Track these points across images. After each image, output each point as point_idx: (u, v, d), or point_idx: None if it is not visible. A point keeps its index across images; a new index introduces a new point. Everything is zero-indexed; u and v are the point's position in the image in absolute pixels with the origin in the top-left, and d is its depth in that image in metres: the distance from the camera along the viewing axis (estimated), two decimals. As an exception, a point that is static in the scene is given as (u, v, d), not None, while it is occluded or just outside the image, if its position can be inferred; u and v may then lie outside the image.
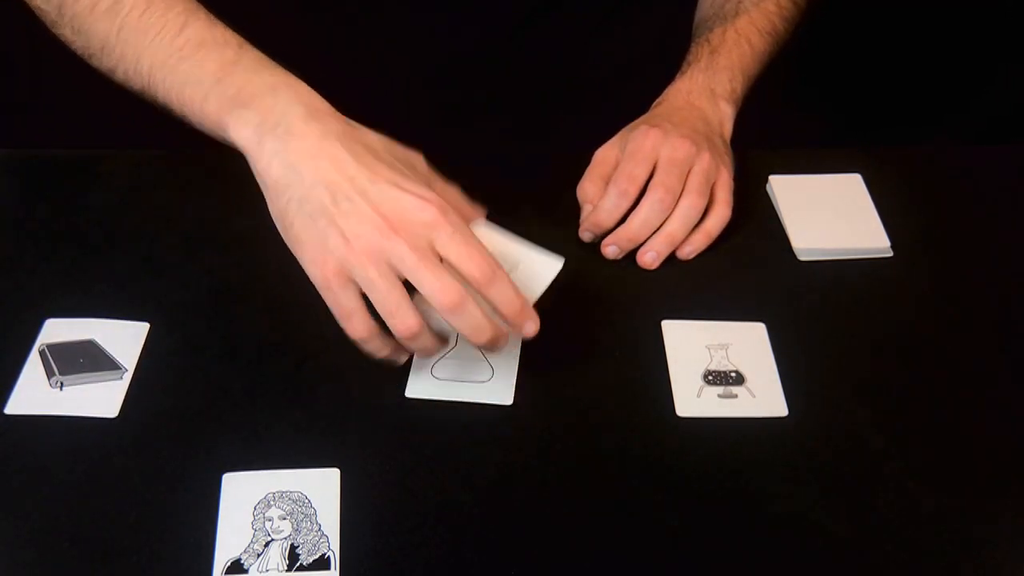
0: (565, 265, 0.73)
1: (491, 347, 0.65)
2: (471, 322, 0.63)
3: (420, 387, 0.70)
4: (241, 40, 0.71)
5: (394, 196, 0.63)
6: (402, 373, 0.71)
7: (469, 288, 0.63)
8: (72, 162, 0.89)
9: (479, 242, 0.64)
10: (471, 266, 0.63)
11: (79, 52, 0.77)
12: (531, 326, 0.66)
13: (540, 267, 0.69)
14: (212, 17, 0.72)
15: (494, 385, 0.70)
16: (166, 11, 0.71)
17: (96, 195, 0.85)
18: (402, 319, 0.63)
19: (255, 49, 0.71)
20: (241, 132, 0.67)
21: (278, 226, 0.67)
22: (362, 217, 0.63)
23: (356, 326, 0.65)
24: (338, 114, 0.68)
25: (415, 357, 0.71)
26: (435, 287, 0.62)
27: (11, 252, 0.80)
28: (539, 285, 0.68)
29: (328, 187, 0.64)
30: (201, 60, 0.69)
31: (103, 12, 0.73)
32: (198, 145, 0.85)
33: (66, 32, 0.76)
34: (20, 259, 0.79)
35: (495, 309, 0.65)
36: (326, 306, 0.71)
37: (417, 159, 0.70)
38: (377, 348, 0.66)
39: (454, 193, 0.70)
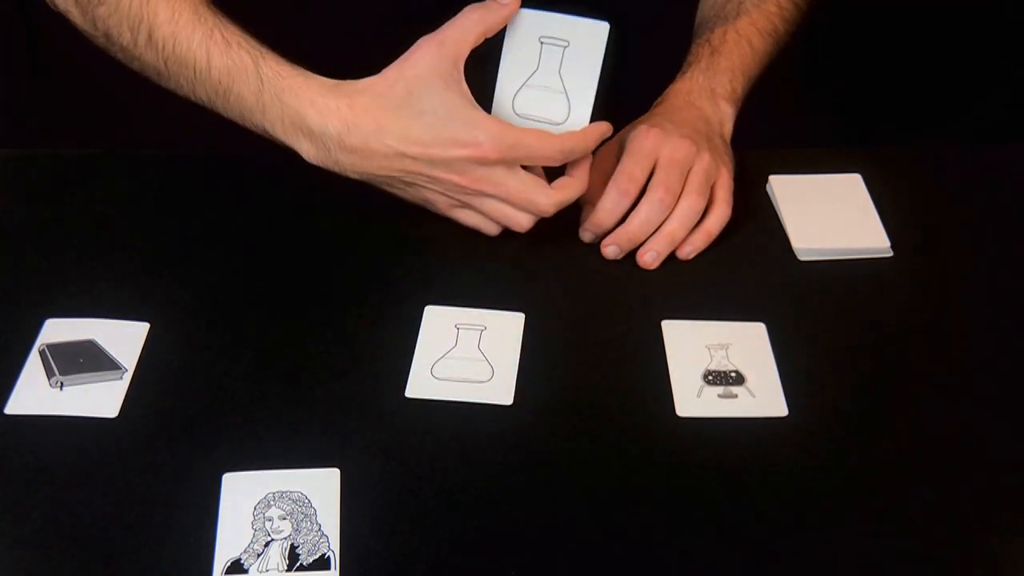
0: (565, 265, 0.73)
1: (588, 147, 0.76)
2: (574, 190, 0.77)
3: (420, 387, 0.70)
4: (254, 55, 0.75)
5: (453, 160, 0.72)
6: (402, 373, 0.71)
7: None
8: (72, 162, 0.89)
9: (537, 139, 0.73)
10: (543, 162, 0.75)
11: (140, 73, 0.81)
12: (608, 132, 0.77)
13: (590, 36, 0.72)
14: (224, 29, 0.75)
15: (494, 385, 0.70)
16: (189, 44, 0.75)
17: (96, 195, 0.85)
18: (517, 221, 0.76)
19: (268, 58, 0.75)
20: (308, 155, 0.75)
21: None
22: (442, 186, 0.75)
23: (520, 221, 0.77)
24: (356, 101, 0.73)
25: (415, 358, 0.72)
26: (531, 203, 0.75)
27: (11, 252, 0.80)
28: (596, 54, 0.71)
29: (398, 173, 0.74)
30: (238, 92, 0.75)
31: (144, 47, 0.77)
32: (198, 145, 0.86)
33: (119, 57, 0.81)
34: (20, 259, 0.79)
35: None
36: (326, 307, 0.72)
37: (422, 48, 0.73)
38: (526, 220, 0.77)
39: (472, 16, 0.73)
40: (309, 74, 0.75)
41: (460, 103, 0.72)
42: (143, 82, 0.82)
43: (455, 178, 0.73)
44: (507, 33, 0.73)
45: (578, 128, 0.75)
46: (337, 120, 0.72)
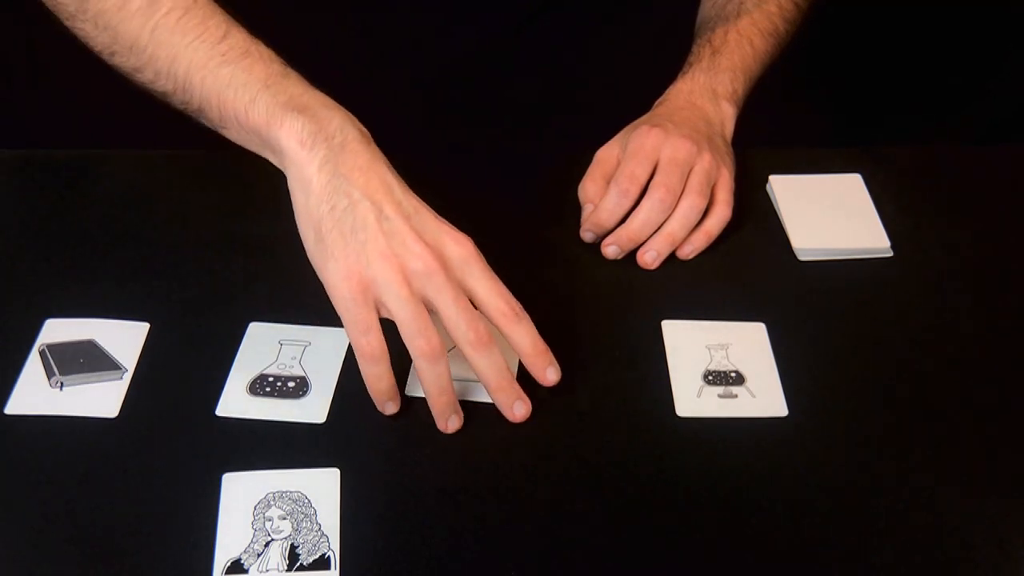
0: (565, 265, 0.73)
1: (505, 394, 0.67)
2: (495, 361, 0.66)
3: (420, 387, 0.70)
4: (285, 63, 0.71)
5: (435, 227, 0.66)
6: (402, 372, 0.71)
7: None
8: (72, 162, 0.89)
9: (504, 286, 0.66)
10: (500, 302, 0.66)
11: (98, 48, 0.76)
12: (552, 373, 0.68)
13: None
14: (251, 34, 0.72)
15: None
16: (205, 18, 0.71)
17: (96, 195, 0.85)
18: (428, 339, 0.64)
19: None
20: (293, 135, 0.67)
21: (308, 233, 0.67)
22: (405, 239, 0.65)
23: (372, 342, 0.65)
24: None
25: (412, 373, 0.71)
26: (468, 322, 0.64)
27: (11, 252, 0.80)
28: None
29: (375, 204, 0.65)
30: (248, 67, 0.69)
31: (135, 11, 0.72)
32: (198, 145, 0.86)
33: (87, 27, 0.75)
34: (20, 259, 0.79)
35: (517, 349, 0.67)
36: (326, 307, 0.71)
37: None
38: (381, 373, 0.66)
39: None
40: None
41: None
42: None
43: (423, 242, 0.65)
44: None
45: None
46: (362, 131, 0.68)
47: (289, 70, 0.71)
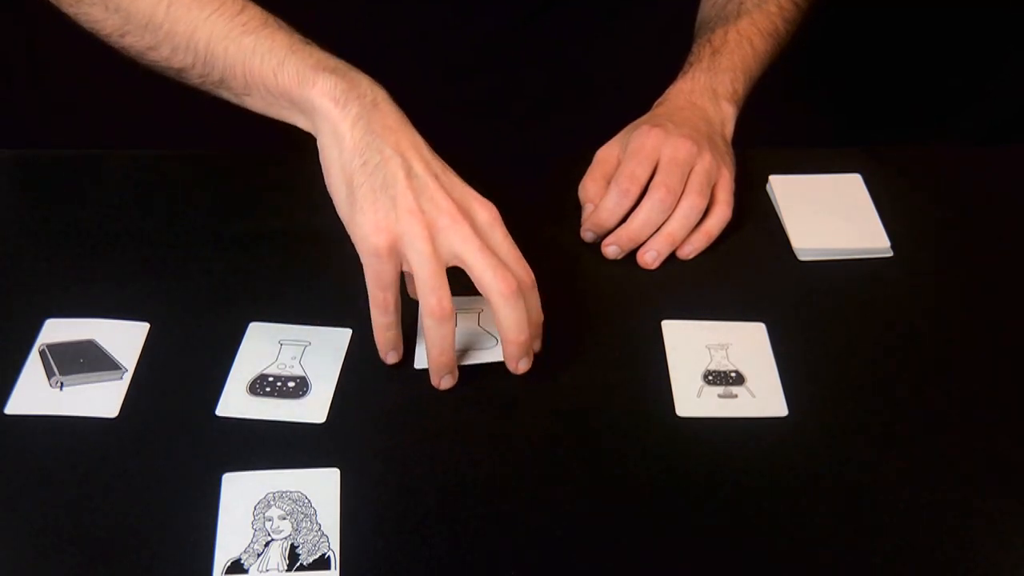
0: (565, 265, 0.73)
1: (519, 348, 0.68)
2: (519, 314, 0.67)
3: (424, 357, 0.70)
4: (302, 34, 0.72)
5: (462, 188, 0.68)
6: (402, 372, 0.71)
7: None
8: (72, 162, 0.89)
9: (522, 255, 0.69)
10: (519, 267, 0.68)
11: (107, 31, 0.76)
12: (538, 344, 0.71)
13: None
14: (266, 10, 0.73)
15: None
16: None
17: (96, 195, 0.85)
18: (440, 299, 0.66)
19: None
20: (326, 93, 0.68)
21: (339, 187, 0.68)
22: (434, 195, 0.67)
23: (388, 298, 0.68)
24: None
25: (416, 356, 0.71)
26: (496, 271, 0.66)
27: (11, 252, 0.80)
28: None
29: (406, 161, 0.67)
30: (270, 35, 0.70)
31: None
32: (198, 145, 0.86)
33: (94, 11, 0.75)
34: (20, 259, 0.79)
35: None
36: (326, 306, 0.72)
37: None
38: (390, 324, 0.69)
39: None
40: None
41: None
42: (143, 82, 0.82)
43: (450, 198, 0.67)
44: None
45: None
46: (387, 94, 0.70)
47: (309, 40, 0.72)
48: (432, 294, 0.66)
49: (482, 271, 0.66)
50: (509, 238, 0.68)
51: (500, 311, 0.66)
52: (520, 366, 0.69)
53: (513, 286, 0.66)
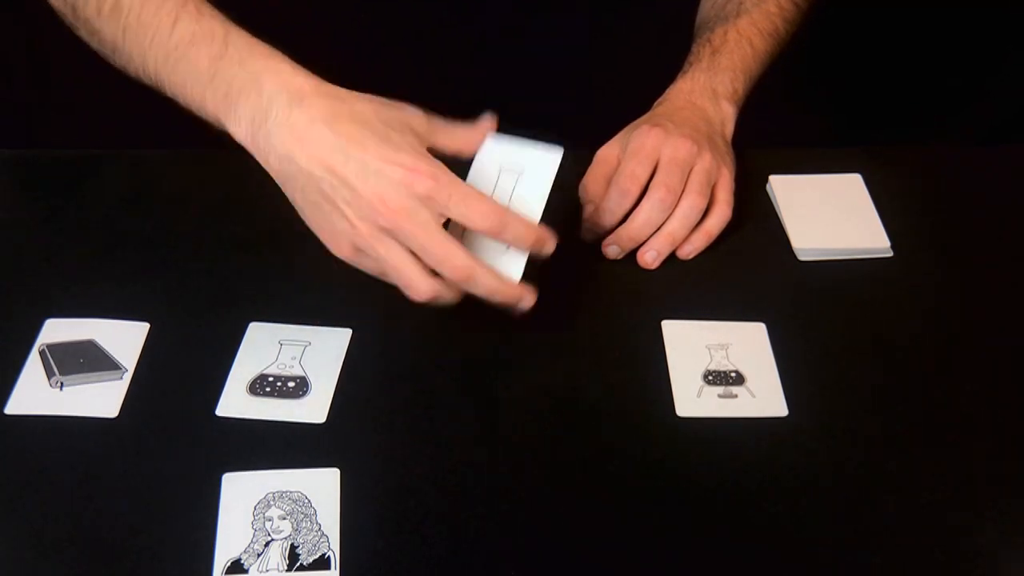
0: (565, 265, 0.73)
1: (515, 296, 0.68)
2: (485, 286, 0.66)
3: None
4: (228, 27, 0.71)
5: (387, 175, 0.64)
6: (401, 372, 0.71)
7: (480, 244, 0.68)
8: (72, 162, 0.89)
9: (477, 194, 0.66)
10: (477, 220, 0.65)
11: (98, 52, 0.77)
12: (550, 245, 0.68)
13: (543, 164, 0.71)
14: (202, 5, 0.72)
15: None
16: (159, 9, 0.71)
17: (96, 195, 0.85)
18: (451, 263, 0.65)
19: (242, 33, 0.71)
20: (238, 131, 0.68)
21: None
22: (360, 204, 0.65)
23: (402, 282, 0.66)
24: (323, 88, 0.68)
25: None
26: (444, 261, 0.65)
27: (11, 252, 0.80)
28: (548, 180, 0.70)
29: (323, 174, 0.65)
30: (193, 58, 0.70)
31: (108, 14, 0.73)
32: (198, 145, 0.86)
33: (82, 34, 0.77)
34: (20, 259, 0.79)
35: (513, 246, 0.68)
36: (326, 306, 0.71)
37: (412, 115, 0.69)
38: (440, 293, 0.67)
39: (455, 130, 0.70)
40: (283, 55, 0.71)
41: (417, 145, 0.67)
42: (143, 82, 0.82)
43: (376, 199, 0.64)
44: (475, 156, 0.71)
45: (520, 252, 0.70)
46: (294, 89, 0.67)
47: (229, 42, 0.70)
48: (440, 266, 0.65)
49: (437, 263, 0.65)
50: (454, 194, 0.65)
51: (468, 289, 0.66)
52: (526, 304, 0.69)
53: (464, 269, 0.65)
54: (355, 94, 0.68)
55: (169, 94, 0.72)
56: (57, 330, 0.73)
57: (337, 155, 0.65)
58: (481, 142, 0.71)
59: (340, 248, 0.67)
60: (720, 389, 0.70)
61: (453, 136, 0.70)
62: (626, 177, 0.80)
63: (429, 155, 0.66)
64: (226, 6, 0.76)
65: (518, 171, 0.71)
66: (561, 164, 0.72)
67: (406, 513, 0.63)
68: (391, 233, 0.65)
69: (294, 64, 0.69)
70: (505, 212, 0.66)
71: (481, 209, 0.65)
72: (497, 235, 0.66)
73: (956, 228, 0.85)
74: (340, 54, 0.75)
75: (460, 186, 0.65)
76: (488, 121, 0.72)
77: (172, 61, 0.70)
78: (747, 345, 0.74)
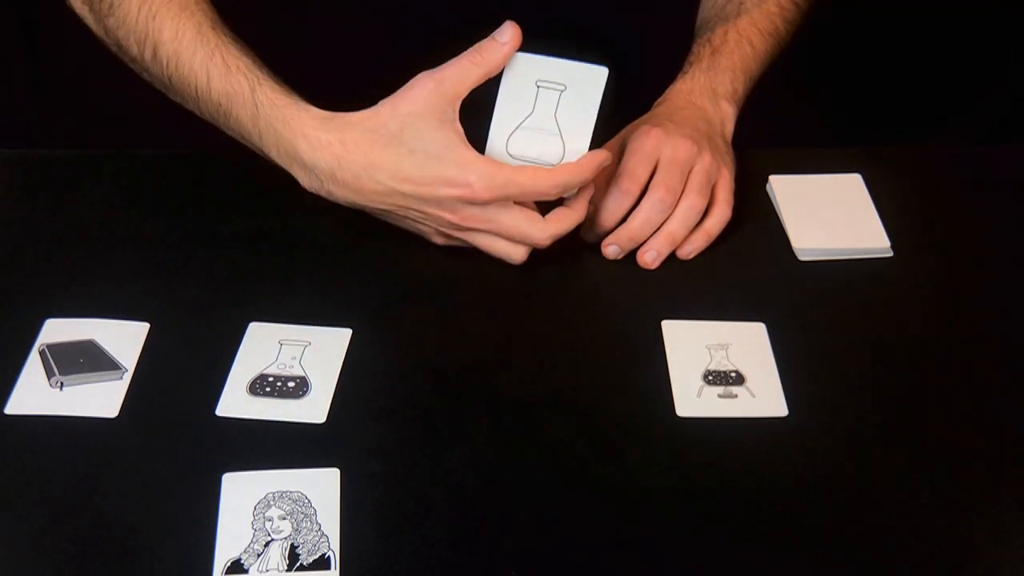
0: (565, 265, 0.73)
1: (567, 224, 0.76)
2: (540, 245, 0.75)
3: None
4: (253, 80, 0.75)
5: (441, 198, 0.71)
6: (401, 372, 0.71)
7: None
8: (72, 162, 0.89)
9: (530, 172, 0.71)
10: (538, 196, 0.73)
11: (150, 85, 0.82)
12: (598, 161, 0.73)
13: (589, 80, 0.70)
14: (227, 52, 0.75)
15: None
16: (191, 62, 0.76)
17: (96, 195, 0.85)
18: (531, 239, 0.74)
19: (265, 86, 0.74)
20: (303, 183, 0.75)
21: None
22: (432, 220, 0.74)
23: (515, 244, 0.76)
24: (348, 135, 0.72)
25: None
26: (525, 239, 0.74)
27: (11, 252, 0.80)
28: (594, 98, 0.70)
29: (388, 207, 0.74)
30: (237, 115, 0.75)
31: (151, 60, 0.78)
32: (198, 145, 0.86)
33: (134, 70, 0.82)
34: (20, 259, 0.79)
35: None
36: (327, 307, 0.71)
37: (420, 91, 0.71)
38: (508, 253, 0.76)
39: (468, 66, 0.71)
40: (303, 104, 0.74)
41: (453, 142, 0.70)
42: (143, 82, 0.82)
43: (446, 215, 0.72)
44: (504, 75, 0.71)
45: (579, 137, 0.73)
46: (328, 155, 0.72)
47: (255, 94, 0.74)
48: (524, 242, 0.75)
49: (500, 254, 0.75)
50: (498, 215, 0.73)
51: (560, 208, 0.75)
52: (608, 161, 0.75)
53: (522, 256, 0.76)
54: (372, 116, 0.72)
55: (209, 113, 0.78)
56: (57, 330, 0.73)
57: (393, 196, 0.72)
58: (503, 60, 0.71)
59: (436, 240, 0.77)
60: (720, 389, 0.70)
61: (467, 73, 0.71)
62: (626, 177, 0.80)
63: (470, 155, 0.70)
64: (226, 6, 0.76)
65: (559, 88, 0.69)
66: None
67: (406, 513, 0.63)
68: (469, 232, 0.74)
69: (312, 112, 0.73)
70: (558, 178, 0.71)
71: (539, 190, 0.72)
72: (561, 195, 0.73)
73: (956, 228, 0.85)
74: (339, 55, 0.75)
75: (512, 176, 0.71)
76: (509, 31, 0.71)
77: (223, 115, 0.76)
78: (747, 345, 0.74)
